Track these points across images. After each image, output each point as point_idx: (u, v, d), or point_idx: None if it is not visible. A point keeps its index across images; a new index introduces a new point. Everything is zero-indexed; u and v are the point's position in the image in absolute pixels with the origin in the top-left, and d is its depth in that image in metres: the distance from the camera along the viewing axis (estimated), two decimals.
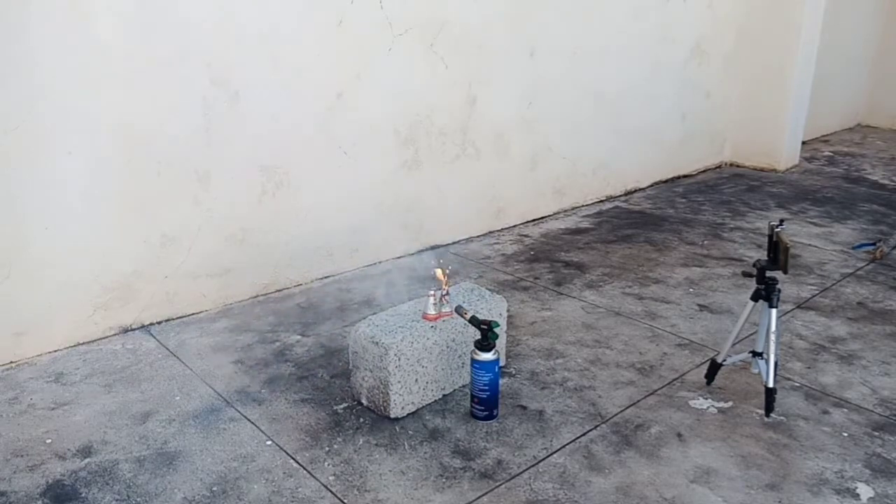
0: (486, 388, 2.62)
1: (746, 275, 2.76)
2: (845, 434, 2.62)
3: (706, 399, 2.84)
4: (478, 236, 4.74)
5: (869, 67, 8.54)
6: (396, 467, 2.42)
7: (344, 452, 2.49)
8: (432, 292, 2.77)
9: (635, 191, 5.88)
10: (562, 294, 3.85)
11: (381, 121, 4.00)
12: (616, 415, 2.73)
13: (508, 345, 3.14)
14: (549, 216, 5.19)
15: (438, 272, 2.78)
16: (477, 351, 2.60)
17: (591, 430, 2.63)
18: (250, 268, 3.71)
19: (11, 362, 3.07)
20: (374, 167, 4.06)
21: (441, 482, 2.35)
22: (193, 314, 3.55)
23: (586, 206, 5.45)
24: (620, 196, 5.73)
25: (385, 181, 4.12)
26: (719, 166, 6.75)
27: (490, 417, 2.67)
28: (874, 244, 4.45)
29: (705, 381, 2.92)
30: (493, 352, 2.60)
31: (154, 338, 3.32)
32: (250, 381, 2.95)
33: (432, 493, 2.30)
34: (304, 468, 2.41)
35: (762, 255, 2.73)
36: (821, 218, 5.21)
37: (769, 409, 2.69)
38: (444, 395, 2.82)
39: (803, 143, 6.93)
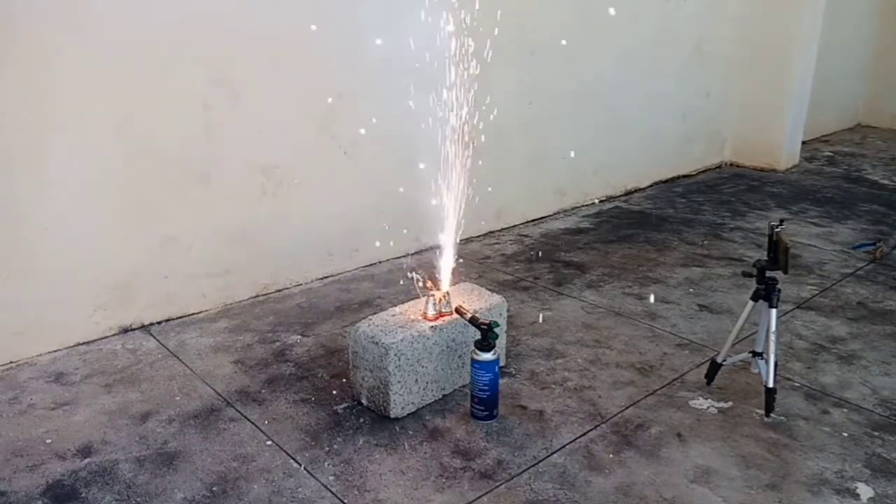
0: (486, 388, 2.62)
1: (746, 275, 2.76)
2: (845, 434, 2.62)
3: (706, 399, 2.84)
4: (478, 236, 4.74)
5: (869, 67, 8.53)
6: (396, 467, 2.41)
7: (344, 452, 2.49)
8: (432, 293, 2.77)
9: (635, 191, 5.88)
10: (562, 294, 3.85)
11: (381, 120, 4.00)
12: (616, 415, 2.73)
13: (508, 345, 3.14)
14: (549, 216, 5.19)
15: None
16: (477, 351, 2.60)
17: (591, 430, 2.63)
18: (250, 268, 3.71)
19: (11, 362, 3.07)
20: (375, 167, 4.06)
21: (441, 482, 2.35)
22: (193, 314, 3.55)
23: (586, 206, 5.45)
24: (620, 196, 5.73)
25: (385, 181, 4.12)
26: (719, 166, 6.75)
27: (490, 417, 2.67)
28: (874, 244, 4.45)
29: (705, 381, 2.92)
30: (493, 352, 2.60)
31: (154, 338, 3.32)
32: (250, 381, 2.95)
33: (432, 493, 2.30)
34: (304, 468, 2.41)
35: (762, 255, 2.73)
36: (821, 218, 5.21)
37: (769, 409, 2.69)
38: (444, 395, 2.82)
39: (803, 143, 6.92)
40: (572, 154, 5.12)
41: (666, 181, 6.19)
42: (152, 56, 3.14)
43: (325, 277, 4.01)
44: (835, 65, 7.47)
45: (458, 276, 3.11)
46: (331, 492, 2.30)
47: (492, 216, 4.83)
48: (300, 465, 2.42)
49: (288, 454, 2.48)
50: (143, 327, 3.40)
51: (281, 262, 3.81)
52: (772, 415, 2.70)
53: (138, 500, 2.26)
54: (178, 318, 3.50)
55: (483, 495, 2.29)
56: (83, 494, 2.29)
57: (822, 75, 6.74)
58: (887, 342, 3.32)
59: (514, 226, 4.97)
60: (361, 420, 2.68)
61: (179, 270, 3.46)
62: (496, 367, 2.62)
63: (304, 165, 3.76)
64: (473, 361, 2.61)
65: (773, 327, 2.65)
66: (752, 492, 2.31)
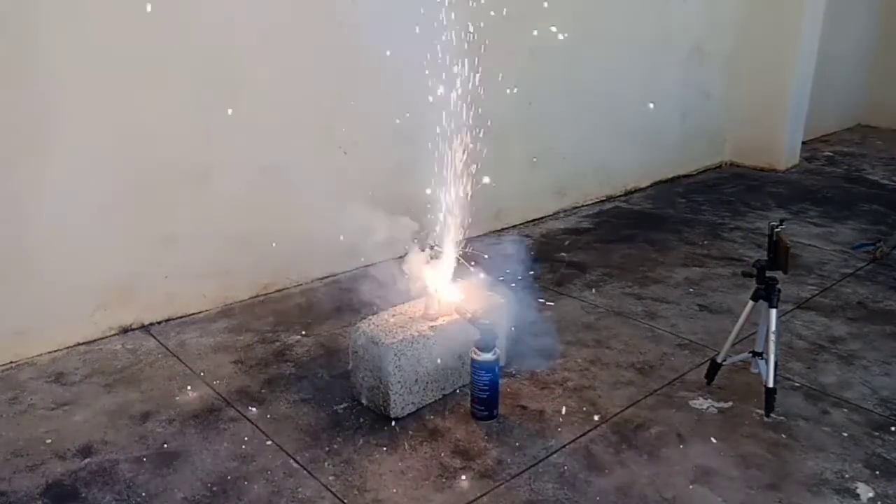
0: (486, 388, 2.62)
1: (746, 275, 2.76)
2: (845, 434, 2.62)
3: (706, 399, 2.84)
4: (478, 236, 4.74)
5: (869, 67, 8.53)
6: (396, 467, 2.41)
7: (344, 452, 2.49)
8: (433, 292, 2.77)
9: (635, 191, 5.88)
10: (562, 294, 3.85)
11: (381, 120, 4.00)
12: (616, 415, 2.73)
13: (508, 345, 3.13)
14: (549, 216, 5.19)
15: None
16: (477, 351, 2.60)
17: (591, 430, 2.63)
18: (250, 268, 3.70)
19: (11, 362, 3.07)
20: (375, 167, 4.05)
21: (441, 482, 2.35)
22: (193, 314, 3.55)
23: (586, 206, 5.45)
24: (620, 196, 5.73)
25: (385, 181, 4.11)
26: (719, 166, 6.75)
27: (490, 417, 2.66)
28: (874, 244, 4.45)
29: (705, 381, 2.91)
30: (493, 352, 2.60)
31: (154, 338, 3.32)
32: (250, 381, 2.95)
33: (432, 493, 2.30)
34: (304, 468, 2.41)
35: (762, 255, 2.73)
36: (821, 218, 5.21)
37: (769, 409, 2.69)
38: (444, 395, 2.81)
39: (803, 143, 6.92)
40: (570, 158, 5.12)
41: (666, 181, 6.19)
42: (152, 56, 3.14)
43: (325, 277, 4.01)
44: (835, 65, 7.46)
45: (458, 275, 3.11)
46: (331, 492, 2.30)
47: (492, 216, 4.82)
48: (300, 465, 2.42)
49: (288, 454, 2.48)
50: (143, 327, 3.40)
51: (281, 262, 3.81)
52: (772, 415, 2.70)
53: (138, 500, 2.26)
54: (178, 318, 3.50)
55: (483, 495, 2.29)
56: (83, 494, 2.29)
57: (822, 75, 6.74)
58: (887, 342, 3.32)
59: (514, 226, 4.97)
60: (361, 420, 2.67)
61: (179, 270, 3.45)
62: (496, 367, 2.62)
63: (305, 165, 3.75)
64: (473, 361, 2.61)
65: (773, 327, 2.65)
66: (752, 492, 2.31)
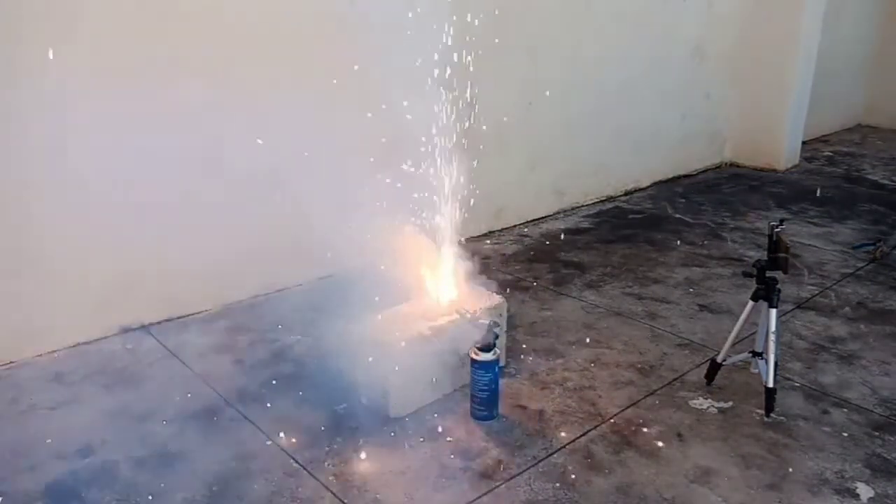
0: (486, 388, 2.62)
1: (746, 275, 2.76)
2: (845, 434, 2.62)
3: (706, 399, 2.84)
4: (478, 236, 4.74)
5: (869, 67, 8.53)
6: (396, 467, 2.41)
7: (344, 452, 2.49)
8: (433, 292, 2.77)
9: (635, 191, 5.88)
10: (562, 294, 3.85)
11: (381, 120, 4.00)
12: (616, 415, 2.73)
13: (508, 345, 3.13)
14: (549, 216, 5.19)
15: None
16: (477, 351, 2.60)
17: (591, 430, 2.63)
18: (250, 268, 3.70)
19: (11, 362, 3.07)
20: (374, 167, 4.05)
21: (441, 482, 2.35)
22: (193, 314, 3.54)
23: (586, 206, 5.45)
24: (620, 196, 5.73)
25: (386, 180, 4.12)
26: (719, 166, 6.75)
27: (490, 417, 2.67)
28: (874, 244, 4.45)
29: (705, 381, 2.92)
30: (492, 352, 2.60)
31: (154, 338, 3.32)
32: (250, 381, 2.95)
33: (432, 493, 2.30)
34: (304, 468, 2.41)
35: (762, 255, 2.73)
36: (821, 218, 5.21)
37: (769, 409, 2.69)
38: (444, 395, 2.81)
39: (803, 143, 6.93)
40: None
41: (666, 181, 6.19)
42: (152, 56, 3.14)
43: (325, 277, 4.01)
44: (835, 65, 7.47)
45: (459, 275, 3.11)
46: (331, 492, 2.30)
47: (492, 216, 4.82)
48: (300, 465, 2.42)
49: (288, 454, 2.48)
50: (143, 327, 3.40)
51: (281, 262, 3.80)
52: (772, 415, 2.70)
53: (138, 500, 2.26)
54: (178, 318, 3.50)
55: (483, 495, 2.29)
56: (83, 494, 2.29)
57: (822, 75, 6.74)
58: (887, 342, 3.32)
59: (514, 226, 4.97)
60: (361, 420, 2.67)
61: (179, 270, 3.45)
62: (496, 367, 2.62)
63: (304, 165, 3.75)
64: (473, 361, 2.61)
65: (773, 327, 2.65)
66: (752, 492, 2.31)
